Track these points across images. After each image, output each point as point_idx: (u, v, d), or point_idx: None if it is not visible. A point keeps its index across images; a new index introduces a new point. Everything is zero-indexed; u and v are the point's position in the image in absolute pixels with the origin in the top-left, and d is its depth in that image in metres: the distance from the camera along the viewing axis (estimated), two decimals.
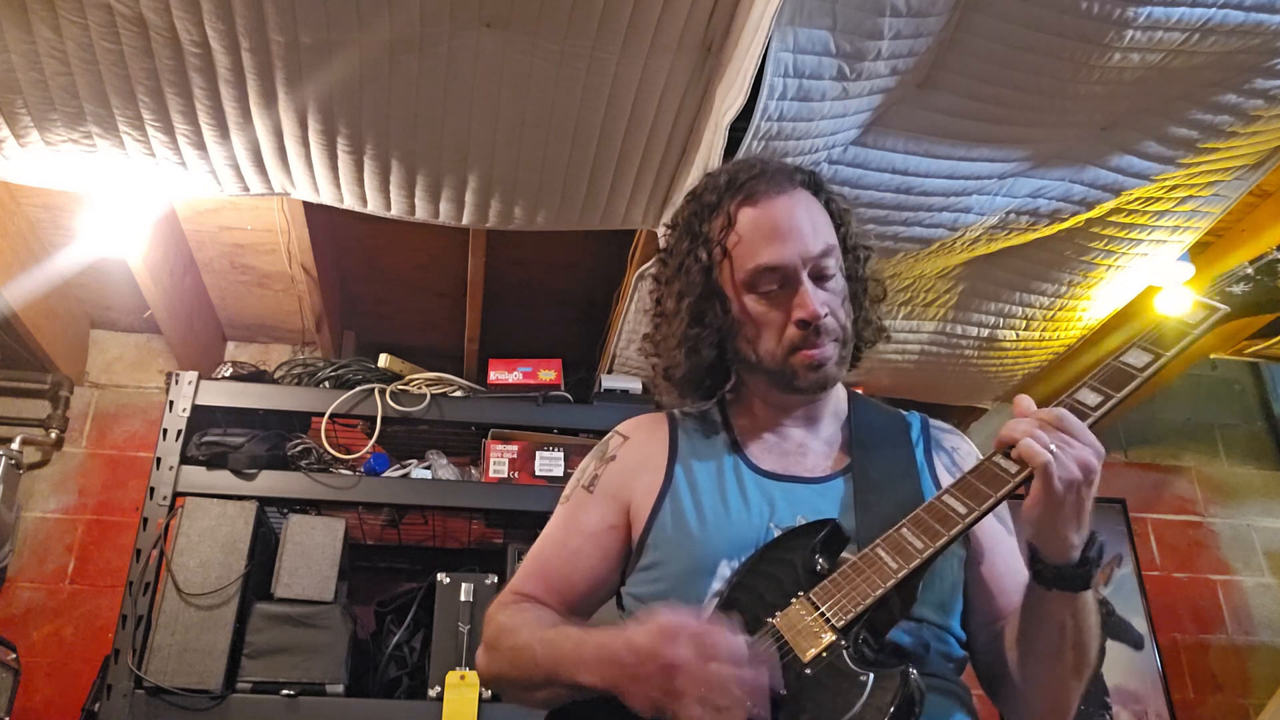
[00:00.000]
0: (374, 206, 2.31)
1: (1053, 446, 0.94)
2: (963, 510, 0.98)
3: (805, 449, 1.23)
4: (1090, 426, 0.99)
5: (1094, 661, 1.05)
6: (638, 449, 1.27)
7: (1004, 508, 1.08)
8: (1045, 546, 0.98)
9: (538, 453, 2.60)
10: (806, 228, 1.19)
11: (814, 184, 1.27)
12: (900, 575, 0.96)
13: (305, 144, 2.10)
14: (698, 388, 1.28)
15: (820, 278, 1.19)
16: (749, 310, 1.19)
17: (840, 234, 1.25)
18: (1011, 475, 0.97)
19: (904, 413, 1.31)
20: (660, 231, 2.27)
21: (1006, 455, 0.99)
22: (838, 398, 1.30)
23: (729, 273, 1.21)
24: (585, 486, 1.27)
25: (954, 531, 0.97)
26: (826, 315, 1.16)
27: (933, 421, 1.31)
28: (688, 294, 1.22)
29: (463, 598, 2.35)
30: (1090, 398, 1.03)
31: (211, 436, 2.42)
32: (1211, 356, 3.54)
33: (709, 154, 1.96)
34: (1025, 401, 1.02)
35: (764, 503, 1.15)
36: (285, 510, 2.56)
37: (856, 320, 1.25)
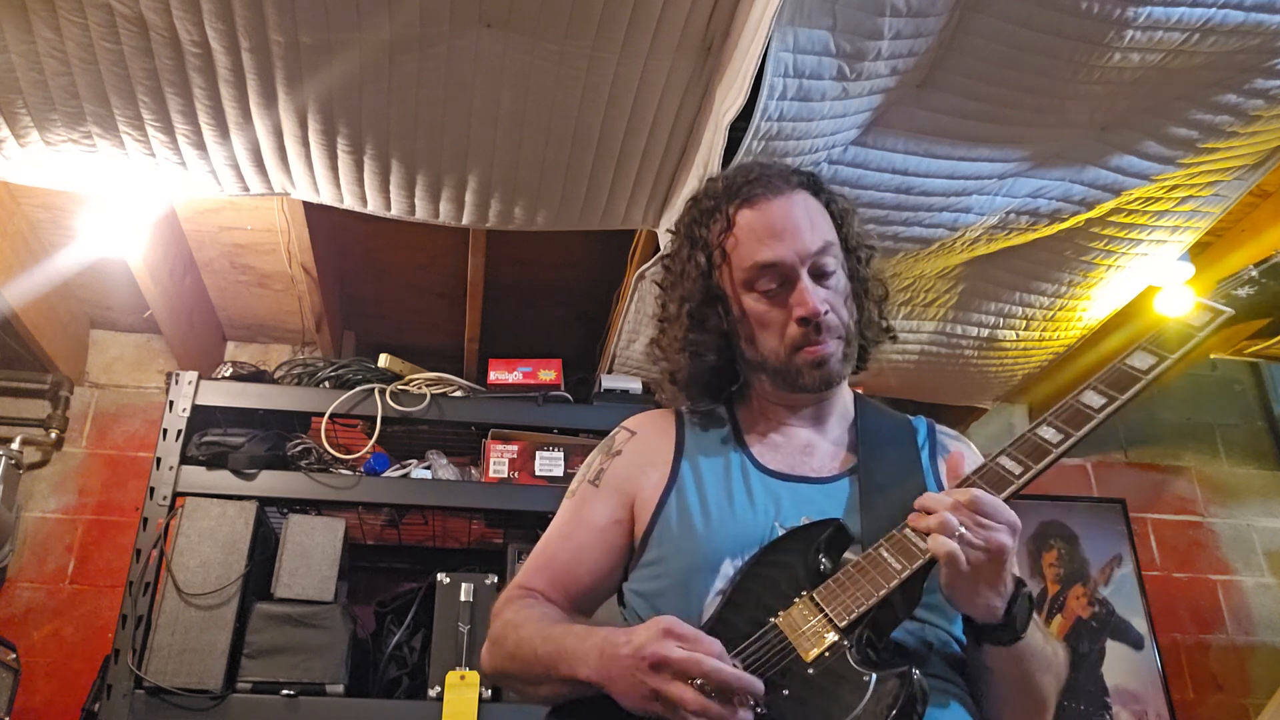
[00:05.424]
0: (374, 206, 2.30)
1: (961, 530, 0.94)
2: None
3: (812, 449, 1.23)
4: (1094, 428, 1.00)
5: (1048, 699, 1.06)
6: (644, 444, 1.28)
7: None
8: (969, 611, 0.99)
9: (538, 453, 2.60)
10: (804, 225, 1.20)
11: (814, 185, 1.27)
12: (903, 576, 0.97)
13: (305, 144, 2.10)
14: (704, 390, 1.28)
15: (820, 275, 1.19)
16: (750, 310, 1.20)
17: (841, 233, 1.25)
18: (1016, 477, 1.00)
19: (910, 417, 1.31)
20: (663, 236, 2.27)
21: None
22: (845, 399, 1.30)
23: (728, 275, 1.21)
24: (591, 481, 1.27)
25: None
26: (827, 312, 1.16)
27: (939, 426, 1.32)
28: (689, 299, 1.24)
29: (463, 598, 2.34)
30: (1095, 400, 1.04)
31: (211, 436, 2.42)
32: (1211, 356, 3.54)
33: (709, 154, 1.96)
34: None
35: (769, 502, 1.15)
36: (285, 510, 2.55)
37: (860, 319, 1.25)
